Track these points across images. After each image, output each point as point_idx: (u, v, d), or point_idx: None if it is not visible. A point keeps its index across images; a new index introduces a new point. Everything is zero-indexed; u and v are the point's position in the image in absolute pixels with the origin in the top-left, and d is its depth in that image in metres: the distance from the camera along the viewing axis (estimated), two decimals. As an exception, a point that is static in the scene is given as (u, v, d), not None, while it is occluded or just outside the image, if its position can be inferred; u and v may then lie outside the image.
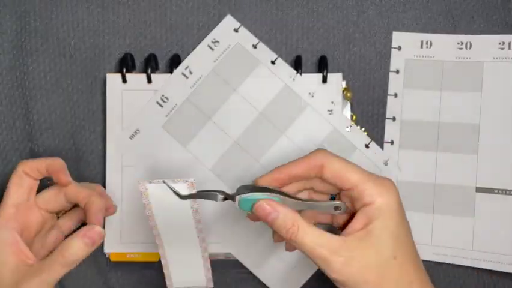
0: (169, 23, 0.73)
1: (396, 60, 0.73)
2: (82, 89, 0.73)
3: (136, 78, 0.72)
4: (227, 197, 0.57)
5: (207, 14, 0.73)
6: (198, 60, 0.72)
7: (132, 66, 0.72)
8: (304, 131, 0.71)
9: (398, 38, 0.73)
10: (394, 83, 0.73)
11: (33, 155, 0.72)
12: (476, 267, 0.72)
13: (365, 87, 0.73)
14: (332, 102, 0.71)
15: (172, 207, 0.60)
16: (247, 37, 0.72)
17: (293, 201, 0.57)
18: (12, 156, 0.72)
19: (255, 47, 0.72)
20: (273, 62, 0.71)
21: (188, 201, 0.59)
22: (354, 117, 0.73)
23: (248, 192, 0.56)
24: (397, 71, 0.73)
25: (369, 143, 0.71)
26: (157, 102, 0.71)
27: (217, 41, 0.72)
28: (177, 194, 0.57)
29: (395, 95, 0.73)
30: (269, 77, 0.71)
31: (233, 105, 0.71)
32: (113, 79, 0.72)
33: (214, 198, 0.57)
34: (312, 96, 0.71)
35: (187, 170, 0.71)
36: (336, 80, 0.72)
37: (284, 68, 0.71)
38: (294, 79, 0.71)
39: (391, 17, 0.73)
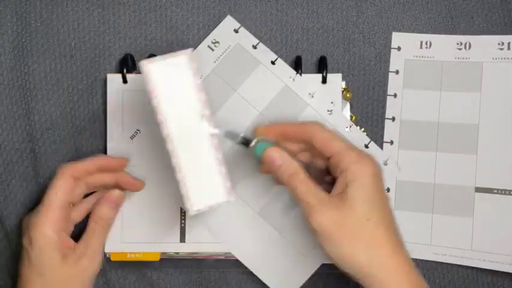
0: (169, 24, 0.74)
1: (396, 61, 0.73)
2: (82, 89, 0.73)
3: (136, 79, 0.72)
4: (246, 137, 0.62)
5: (207, 15, 0.73)
6: (198, 60, 0.72)
7: (132, 66, 0.72)
8: None
9: (398, 38, 0.74)
10: (394, 83, 0.73)
11: (34, 155, 0.72)
12: (475, 267, 0.72)
13: (364, 88, 0.74)
14: (332, 103, 0.71)
15: (179, 92, 0.58)
16: (247, 37, 0.72)
17: None
18: (13, 156, 0.71)
19: (255, 47, 0.72)
20: (273, 63, 0.72)
21: (193, 85, 0.58)
22: (353, 117, 0.73)
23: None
24: (397, 72, 0.73)
25: (368, 143, 0.71)
26: None
27: (217, 42, 0.72)
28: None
29: (395, 95, 0.73)
30: (269, 78, 0.72)
31: (233, 106, 0.71)
32: (113, 79, 0.72)
33: (236, 138, 0.62)
34: (312, 96, 0.71)
35: None
36: (336, 80, 0.72)
37: (284, 69, 0.72)
38: (294, 79, 0.71)
39: (390, 18, 0.74)
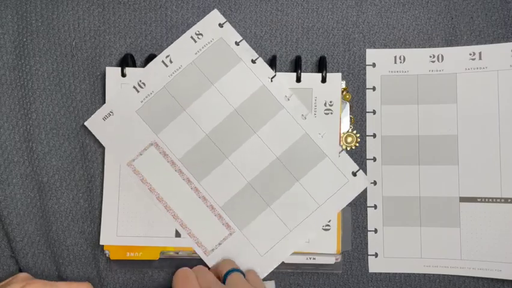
0: (170, 23, 0.74)
1: (372, 77, 0.73)
2: (84, 88, 0.74)
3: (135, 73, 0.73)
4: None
5: (208, 15, 0.73)
6: (180, 50, 0.72)
7: (133, 66, 0.73)
8: (276, 133, 0.72)
9: (372, 54, 0.73)
10: (372, 100, 0.73)
11: (34, 155, 0.73)
12: (466, 276, 0.72)
13: (364, 88, 0.73)
14: (331, 102, 0.71)
15: (161, 171, 0.72)
16: (231, 33, 0.72)
17: None
18: (14, 156, 0.72)
19: (237, 44, 0.72)
20: (253, 61, 0.72)
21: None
22: (353, 119, 0.73)
23: None
24: (374, 88, 0.73)
25: (340, 152, 0.71)
26: (134, 87, 0.72)
27: (201, 34, 0.72)
28: None
29: (374, 112, 0.73)
30: (248, 76, 0.72)
31: (209, 99, 0.72)
32: (112, 72, 0.73)
33: None
34: (288, 99, 0.71)
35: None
36: (336, 79, 0.72)
37: (264, 68, 0.72)
38: (271, 80, 0.71)
39: (390, 18, 0.73)
